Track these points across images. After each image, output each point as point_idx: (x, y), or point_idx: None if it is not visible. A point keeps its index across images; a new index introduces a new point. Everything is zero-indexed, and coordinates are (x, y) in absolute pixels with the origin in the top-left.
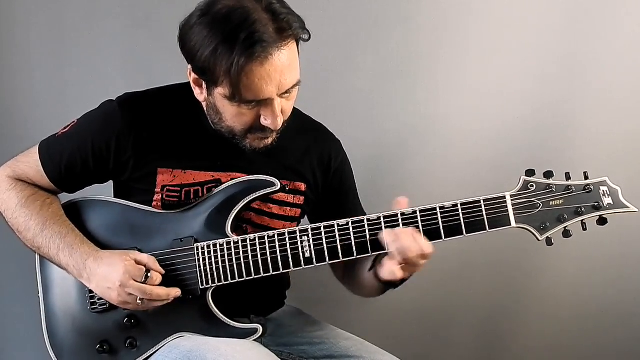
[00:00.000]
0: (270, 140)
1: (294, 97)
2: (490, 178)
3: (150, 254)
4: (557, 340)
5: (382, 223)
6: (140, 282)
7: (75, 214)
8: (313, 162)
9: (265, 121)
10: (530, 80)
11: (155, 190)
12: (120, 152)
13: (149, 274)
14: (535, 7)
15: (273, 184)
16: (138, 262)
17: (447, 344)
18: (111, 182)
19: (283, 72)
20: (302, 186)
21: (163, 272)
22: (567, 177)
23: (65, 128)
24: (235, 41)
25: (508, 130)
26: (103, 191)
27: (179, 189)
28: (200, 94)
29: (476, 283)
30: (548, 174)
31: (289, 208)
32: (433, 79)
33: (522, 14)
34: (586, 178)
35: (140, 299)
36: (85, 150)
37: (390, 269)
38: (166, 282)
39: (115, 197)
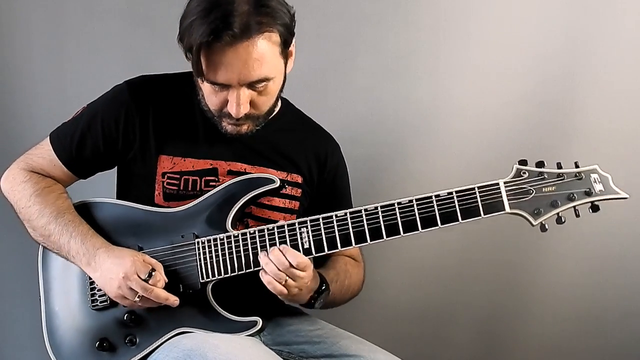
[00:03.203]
0: (244, 129)
1: (269, 92)
2: (490, 176)
3: (152, 250)
4: (557, 339)
5: (380, 213)
6: (143, 279)
7: (80, 215)
8: (309, 156)
9: (229, 107)
10: (530, 79)
11: (157, 178)
12: (128, 129)
13: (153, 273)
14: (534, 6)
15: (272, 181)
16: (146, 262)
17: (447, 343)
18: (114, 183)
19: (247, 63)
20: (299, 178)
21: (167, 280)
22: (559, 166)
23: (75, 114)
24: (207, 20)
25: (507, 129)
26: (105, 192)
27: (178, 176)
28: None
29: (476, 283)
30: (540, 164)
31: (288, 200)
32: (433, 79)
33: (521, 13)
34: (577, 167)
35: (138, 296)
36: (95, 128)
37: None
38: (167, 277)
39: (118, 191)
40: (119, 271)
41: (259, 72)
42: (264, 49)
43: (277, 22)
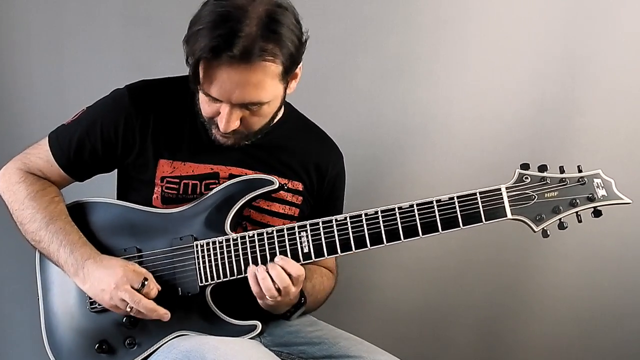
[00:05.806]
0: (231, 141)
1: (262, 114)
2: (490, 178)
3: (151, 252)
4: (557, 340)
5: (380, 217)
6: (136, 289)
7: (77, 215)
8: (310, 164)
9: (218, 120)
10: (530, 80)
11: (156, 181)
12: (127, 135)
13: (146, 282)
14: (534, 7)
15: (272, 183)
16: (137, 272)
17: (447, 344)
18: (114, 184)
19: (242, 86)
20: (300, 186)
21: (160, 288)
22: (561, 170)
23: (74, 116)
24: (212, 34)
25: (508, 131)
26: (105, 192)
27: (178, 180)
28: None
29: (476, 283)
30: (542, 168)
31: (288, 206)
32: (433, 79)
33: (521, 14)
34: (580, 171)
35: (129, 307)
36: (94, 133)
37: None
38: (166, 280)
39: (117, 192)
40: (110, 282)
41: (253, 96)
42: (261, 76)
43: (281, 51)
